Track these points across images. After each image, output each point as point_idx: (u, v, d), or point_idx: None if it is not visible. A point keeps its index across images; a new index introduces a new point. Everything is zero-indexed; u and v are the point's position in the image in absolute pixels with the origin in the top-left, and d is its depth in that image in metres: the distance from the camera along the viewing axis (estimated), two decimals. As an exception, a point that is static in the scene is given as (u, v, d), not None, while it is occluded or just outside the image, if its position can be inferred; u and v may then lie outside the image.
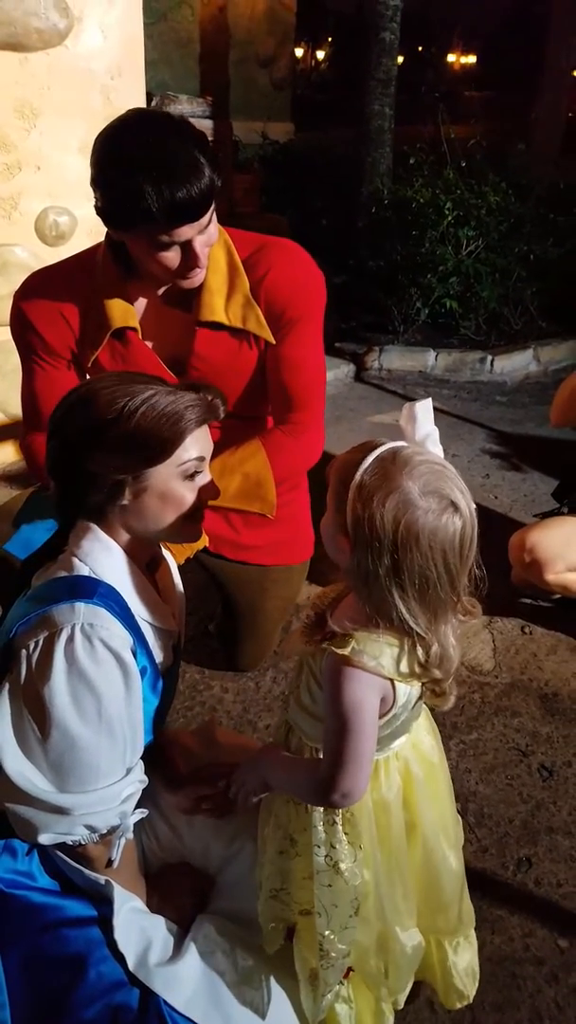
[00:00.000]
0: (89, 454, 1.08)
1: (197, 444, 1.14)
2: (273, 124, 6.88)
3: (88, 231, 3.16)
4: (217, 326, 1.70)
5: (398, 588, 1.00)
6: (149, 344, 1.73)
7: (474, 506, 1.03)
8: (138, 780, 1.13)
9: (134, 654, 1.10)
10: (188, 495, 1.15)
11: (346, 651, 1.04)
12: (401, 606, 1.01)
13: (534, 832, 1.79)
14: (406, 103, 5.78)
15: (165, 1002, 1.09)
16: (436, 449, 1.05)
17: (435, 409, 1.10)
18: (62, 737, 1.03)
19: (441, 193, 4.55)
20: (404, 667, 1.07)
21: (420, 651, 1.06)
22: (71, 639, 1.03)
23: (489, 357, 4.43)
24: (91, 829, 1.08)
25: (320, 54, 14.40)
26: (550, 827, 1.80)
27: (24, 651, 1.04)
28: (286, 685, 2.18)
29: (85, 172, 3.22)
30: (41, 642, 1.04)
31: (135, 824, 1.22)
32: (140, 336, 1.71)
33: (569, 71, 5.33)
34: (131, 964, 1.11)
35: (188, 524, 1.18)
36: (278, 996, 1.19)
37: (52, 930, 1.12)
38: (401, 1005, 1.31)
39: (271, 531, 1.91)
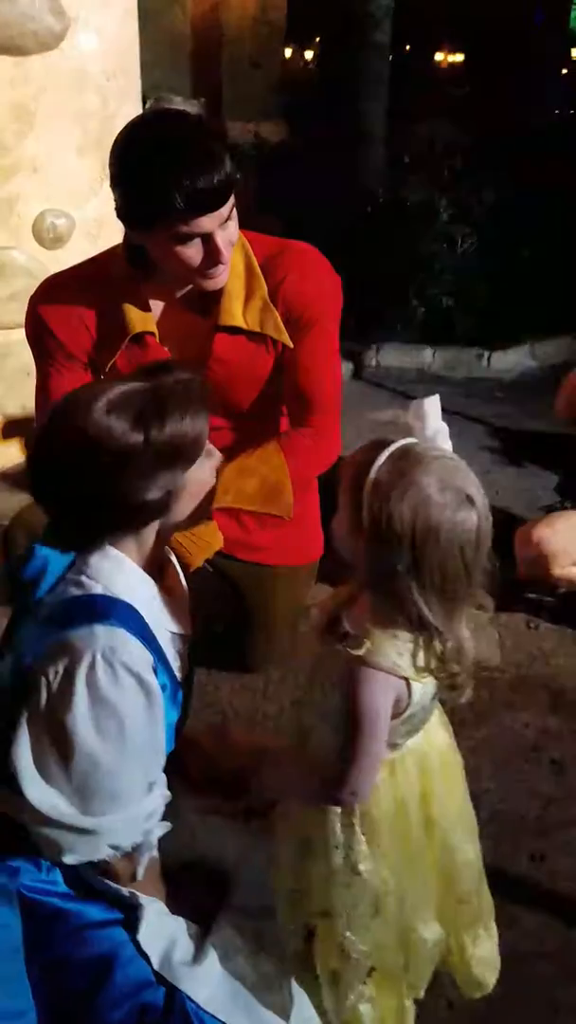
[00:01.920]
0: (129, 482, 1.04)
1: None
2: (266, 124, 6.87)
3: (87, 234, 3.15)
4: (235, 330, 1.71)
5: (417, 585, 1.01)
6: (167, 348, 1.73)
7: (487, 500, 1.04)
8: (161, 795, 1.12)
9: (155, 672, 1.09)
10: (210, 477, 1.17)
11: (361, 652, 1.05)
12: (421, 602, 1.02)
13: (547, 827, 1.79)
14: (398, 102, 5.78)
15: (189, 999, 1.09)
16: (446, 445, 1.06)
17: None
18: (86, 763, 1.02)
19: (436, 191, 4.55)
20: (420, 664, 1.07)
21: (437, 646, 1.06)
22: (92, 666, 1.01)
23: (486, 354, 4.44)
24: (115, 848, 1.08)
25: (308, 55, 14.39)
26: (563, 822, 1.80)
27: (44, 679, 1.02)
28: (296, 685, 2.18)
29: (83, 174, 3.22)
30: (61, 671, 1.02)
31: None
32: (158, 340, 1.71)
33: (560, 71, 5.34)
34: (156, 963, 1.12)
35: (206, 503, 1.19)
36: (300, 999, 1.19)
37: (76, 934, 1.12)
38: (421, 995, 1.31)
39: (282, 531, 1.92)
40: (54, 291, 1.73)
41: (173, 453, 1.06)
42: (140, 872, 1.14)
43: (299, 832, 1.21)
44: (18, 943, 1.10)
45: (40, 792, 1.03)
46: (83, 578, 1.09)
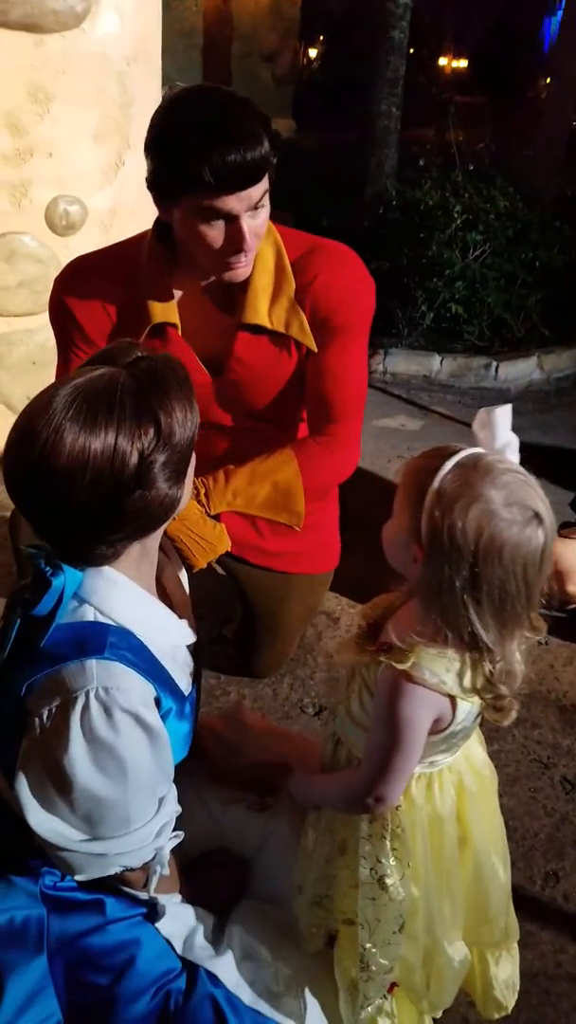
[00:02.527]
0: (149, 490, 0.96)
1: None
2: (275, 120, 6.83)
3: (99, 222, 3.10)
4: (259, 329, 1.64)
5: (473, 602, 0.97)
6: (189, 341, 1.67)
7: (554, 519, 1.00)
8: (171, 811, 1.09)
9: (159, 704, 1.04)
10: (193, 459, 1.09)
11: (406, 666, 1.01)
12: (475, 620, 0.98)
13: (560, 846, 1.76)
14: (408, 105, 5.75)
15: (211, 983, 1.11)
16: (514, 458, 1.02)
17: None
18: (88, 799, 0.98)
19: (450, 196, 4.52)
20: (467, 683, 1.04)
21: (487, 666, 1.02)
22: (86, 708, 0.95)
23: (494, 363, 4.41)
24: (126, 868, 1.07)
25: (312, 53, 14.34)
26: (575, 841, 1.77)
27: (38, 719, 0.97)
28: (304, 692, 2.14)
29: (98, 161, 3.16)
30: (55, 711, 0.96)
31: None
32: (179, 333, 1.65)
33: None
34: (179, 948, 1.13)
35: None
36: (313, 1006, 1.18)
37: (100, 928, 1.11)
38: (438, 1015, 1.30)
39: (297, 539, 1.86)
40: (80, 274, 1.67)
41: (181, 449, 0.99)
42: (153, 884, 1.12)
43: (333, 836, 1.18)
44: (42, 939, 1.10)
45: (45, 822, 1.00)
46: (74, 603, 1.01)
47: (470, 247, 4.50)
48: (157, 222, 1.59)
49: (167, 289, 1.62)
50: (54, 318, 1.71)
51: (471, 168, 4.89)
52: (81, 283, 1.66)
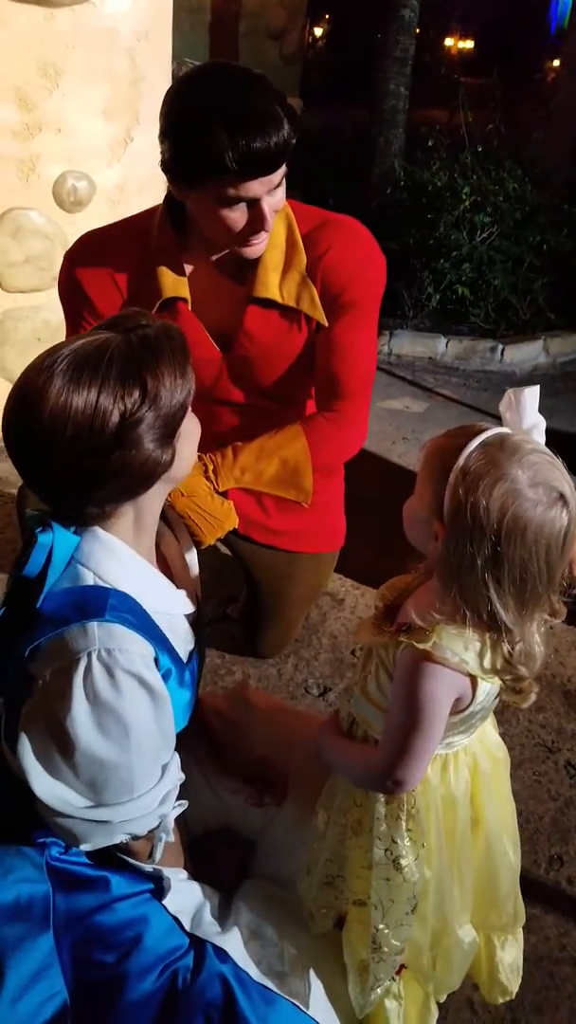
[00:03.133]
0: (135, 447, 0.97)
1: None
2: (283, 99, 6.75)
3: (107, 198, 3.07)
4: (269, 303, 1.64)
5: (494, 581, 0.97)
6: (199, 315, 1.66)
7: None
8: (175, 779, 1.09)
9: (157, 663, 1.04)
10: (196, 426, 1.10)
11: (427, 645, 1.01)
12: (496, 600, 0.97)
13: (564, 830, 1.77)
14: (415, 85, 5.69)
15: (219, 959, 1.11)
16: (540, 439, 1.01)
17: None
18: (92, 762, 0.98)
19: (459, 177, 4.48)
20: (487, 663, 1.03)
21: (506, 647, 1.02)
22: (88, 670, 0.96)
23: (500, 346, 4.39)
24: (131, 836, 1.06)
25: (319, 32, 14.17)
26: (580, 825, 1.78)
27: (40, 682, 0.98)
28: (309, 673, 2.15)
29: (107, 137, 3.13)
30: (58, 673, 0.97)
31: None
32: (189, 307, 1.64)
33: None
34: (187, 924, 1.12)
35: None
36: (316, 987, 1.18)
37: (107, 905, 1.11)
38: (442, 999, 1.30)
39: (303, 517, 1.86)
40: (88, 250, 1.66)
41: (170, 412, 0.99)
42: (158, 852, 1.12)
43: (346, 816, 1.18)
44: (48, 916, 1.09)
45: (49, 787, 1.00)
46: (75, 566, 1.03)
47: (478, 229, 4.47)
48: (168, 199, 1.57)
49: (178, 263, 1.62)
50: (63, 292, 1.70)
51: (480, 150, 4.84)
52: (92, 257, 1.65)
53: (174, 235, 1.59)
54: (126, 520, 1.06)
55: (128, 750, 0.99)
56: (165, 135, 1.42)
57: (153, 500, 1.07)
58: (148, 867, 1.14)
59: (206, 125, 1.35)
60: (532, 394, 1.00)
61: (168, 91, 1.43)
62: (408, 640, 1.03)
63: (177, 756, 1.11)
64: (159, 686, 1.02)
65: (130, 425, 0.96)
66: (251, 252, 1.55)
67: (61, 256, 1.74)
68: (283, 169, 1.45)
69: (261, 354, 1.70)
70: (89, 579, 1.02)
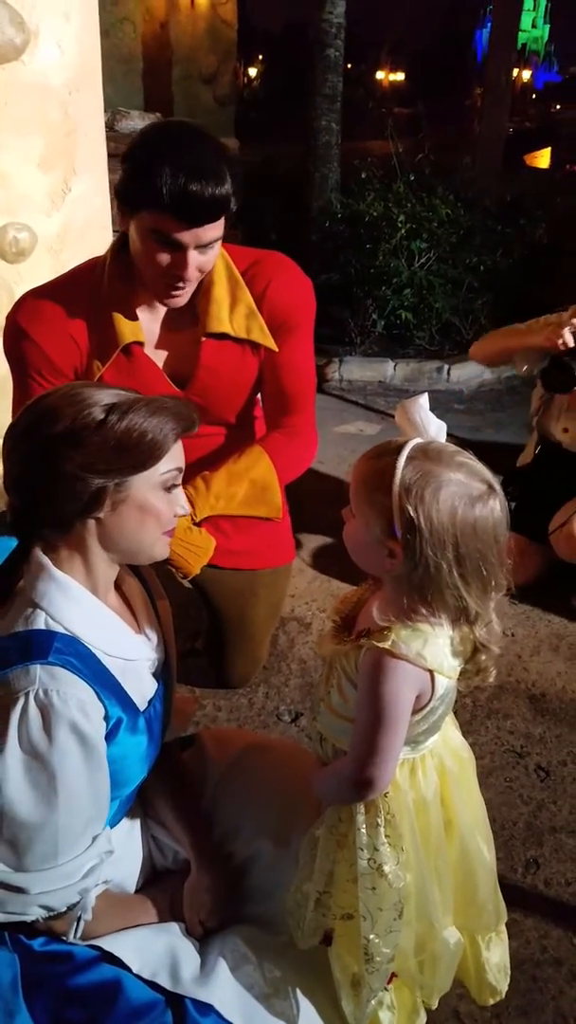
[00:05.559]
0: (69, 456, 1.01)
1: (176, 455, 1.10)
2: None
3: (48, 248, 3.11)
4: (222, 336, 1.73)
5: (460, 578, 1.03)
6: (153, 357, 1.72)
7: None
8: (103, 852, 1.06)
9: (105, 708, 1.04)
10: (166, 508, 1.10)
11: (387, 644, 1.05)
12: (465, 593, 1.03)
13: (538, 833, 1.80)
14: (348, 119, 5.85)
15: (200, 1013, 1.06)
16: (443, 440, 1.07)
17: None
18: (15, 817, 0.97)
19: (393, 206, 4.61)
20: (449, 653, 1.08)
21: (478, 630, 1.07)
22: (25, 711, 0.96)
23: (446, 366, 4.50)
24: (47, 909, 1.03)
25: (252, 72, 14.48)
26: (553, 827, 1.81)
27: None
28: (280, 700, 2.17)
29: (45, 187, 3.17)
30: None
31: (142, 834, 1.21)
32: (144, 350, 1.70)
33: (508, 88, 5.48)
34: (166, 982, 1.08)
35: (161, 541, 1.12)
36: (306, 1008, 1.17)
37: (76, 970, 1.08)
38: (435, 1005, 1.31)
39: (257, 534, 1.95)
40: (38, 305, 1.70)
41: (124, 444, 1.02)
42: (71, 935, 1.08)
43: (333, 833, 1.19)
44: (17, 982, 1.06)
45: None
46: (27, 609, 1.03)
47: (415, 255, 4.60)
48: (114, 248, 1.65)
49: (131, 309, 1.68)
50: (10, 348, 1.72)
51: (412, 178, 4.99)
52: (42, 314, 1.69)
53: (124, 277, 1.66)
54: (76, 562, 1.08)
55: (54, 808, 0.98)
56: (124, 159, 1.53)
57: (96, 554, 1.08)
58: (81, 944, 1.09)
59: (157, 160, 1.45)
60: (423, 401, 1.08)
61: (144, 127, 1.58)
62: (369, 642, 1.06)
63: (108, 829, 1.08)
64: (94, 737, 1.01)
65: (80, 439, 1.01)
66: (171, 303, 1.64)
67: (6, 307, 1.77)
68: (217, 232, 1.54)
69: (219, 385, 1.79)
70: (41, 621, 1.03)
